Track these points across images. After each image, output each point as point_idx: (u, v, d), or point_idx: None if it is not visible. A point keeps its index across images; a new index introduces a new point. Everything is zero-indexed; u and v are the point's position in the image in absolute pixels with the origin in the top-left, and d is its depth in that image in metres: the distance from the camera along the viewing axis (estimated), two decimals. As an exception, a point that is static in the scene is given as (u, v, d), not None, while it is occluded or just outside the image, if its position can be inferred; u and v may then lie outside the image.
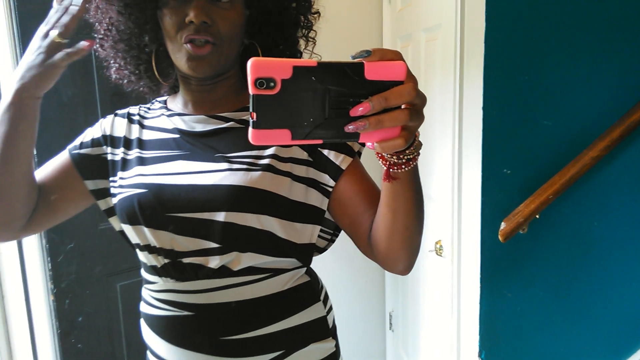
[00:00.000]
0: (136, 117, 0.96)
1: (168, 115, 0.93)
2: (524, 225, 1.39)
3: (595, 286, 1.55)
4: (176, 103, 0.95)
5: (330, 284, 1.02)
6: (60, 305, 1.88)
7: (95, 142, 0.95)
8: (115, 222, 0.97)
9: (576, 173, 1.37)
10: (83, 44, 0.78)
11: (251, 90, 0.48)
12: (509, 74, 1.45)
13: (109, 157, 0.94)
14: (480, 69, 1.45)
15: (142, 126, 0.95)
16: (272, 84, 0.48)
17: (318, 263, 0.99)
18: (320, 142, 0.52)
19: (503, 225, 1.41)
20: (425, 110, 0.56)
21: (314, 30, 0.97)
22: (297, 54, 0.98)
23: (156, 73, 0.92)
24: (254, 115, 0.49)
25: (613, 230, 1.51)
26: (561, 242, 1.51)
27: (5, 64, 1.68)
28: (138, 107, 0.99)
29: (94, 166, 0.94)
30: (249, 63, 0.48)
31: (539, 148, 1.47)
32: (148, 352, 0.95)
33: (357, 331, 2.71)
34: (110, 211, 0.96)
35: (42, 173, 0.94)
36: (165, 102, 0.98)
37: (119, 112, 0.98)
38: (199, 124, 0.89)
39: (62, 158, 0.95)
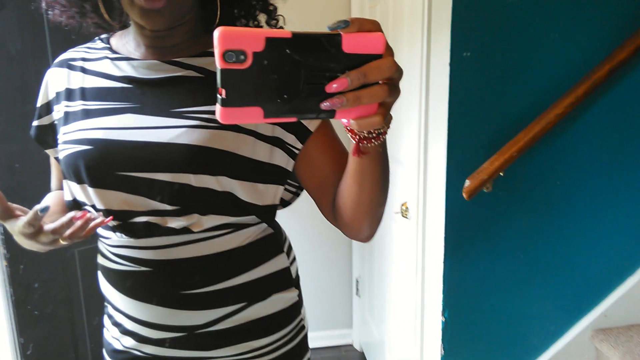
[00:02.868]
0: (78, 63, 0.86)
1: (113, 58, 0.84)
2: (487, 182, 1.39)
3: (556, 245, 1.57)
4: (124, 44, 0.86)
5: (297, 252, 1.00)
6: (14, 271, 1.81)
7: (43, 109, 0.89)
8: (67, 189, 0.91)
9: (540, 130, 1.36)
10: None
11: (219, 64, 0.44)
12: (476, 30, 1.42)
13: (55, 116, 0.87)
14: (448, 24, 1.41)
15: (85, 71, 0.85)
16: (242, 57, 0.44)
17: (284, 230, 0.97)
18: (294, 119, 0.48)
19: (467, 182, 1.40)
20: None
21: None
22: (268, 9, 0.90)
23: (104, 13, 0.84)
24: (223, 91, 0.45)
25: (576, 188, 1.53)
26: (524, 200, 1.52)
27: None
28: (78, 49, 0.90)
29: (48, 134, 0.88)
30: (216, 33, 0.43)
31: (505, 105, 1.46)
32: (107, 305, 0.91)
33: (324, 298, 2.72)
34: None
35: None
36: (108, 41, 0.88)
37: (58, 60, 0.89)
38: (150, 71, 0.81)
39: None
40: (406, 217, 1.78)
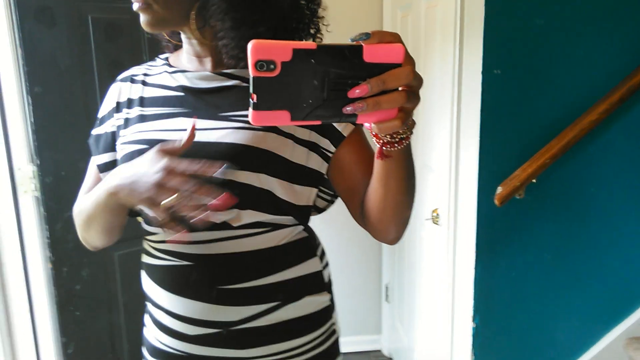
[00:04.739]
0: (139, 77, 0.96)
1: (171, 72, 0.93)
2: (520, 189, 1.40)
3: (589, 252, 1.56)
4: (180, 59, 0.95)
5: (328, 257, 1.03)
6: (58, 273, 1.89)
7: (105, 118, 0.97)
8: None
9: (574, 137, 1.37)
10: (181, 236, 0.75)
11: (251, 72, 0.49)
12: (508, 39, 1.44)
13: (116, 124, 0.94)
14: (480, 34, 1.44)
15: (145, 84, 0.94)
16: (272, 67, 0.49)
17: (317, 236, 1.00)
18: (319, 122, 0.53)
19: (499, 189, 1.41)
20: (426, 79, 0.57)
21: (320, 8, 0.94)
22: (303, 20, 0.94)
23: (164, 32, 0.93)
24: (254, 96, 0.50)
25: (609, 195, 1.52)
26: (557, 207, 1.52)
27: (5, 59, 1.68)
28: (140, 66, 0.99)
29: (101, 141, 0.96)
30: (249, 45, 0.49)
31: (538, 112, 1.47)
32: (148, 303, 0.96)
33: (353, 303, 2.73)
34: None
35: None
36: (167, 59, 0.98)
37: (123, 75, 0.98)
38: (202, 81, 0.89)
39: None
40: (437, 224, 1.79)
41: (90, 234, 0.93)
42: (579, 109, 1.43)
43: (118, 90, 0.97)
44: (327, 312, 0.96)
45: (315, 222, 0.99)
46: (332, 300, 0.98)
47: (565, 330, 1.61)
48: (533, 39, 1.44)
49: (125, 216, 0.90)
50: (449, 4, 1.59)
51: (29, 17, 1.67)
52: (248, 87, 0.87)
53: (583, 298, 1.59)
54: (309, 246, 0.94)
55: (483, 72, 1.44)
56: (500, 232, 1.53)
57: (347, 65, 0.51)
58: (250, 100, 0.50)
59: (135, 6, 0.84)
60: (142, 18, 0.84)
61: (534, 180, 1.42)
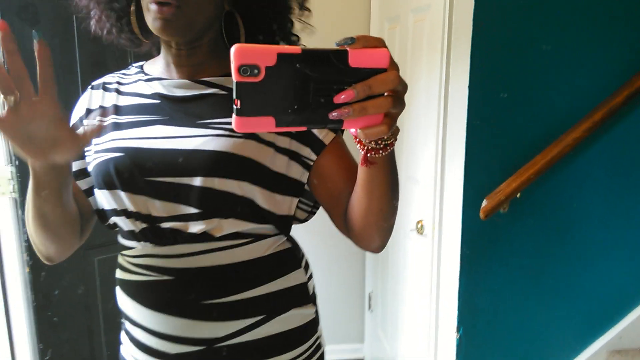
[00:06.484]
0: (112, 86, 0.93)
1: (146, 80, 0.90)
2: (504, 203, 1.42)
3: (571, 266, 1.58)
4: (155, 67, 0.92)
5: (311, 265, 1.02)
6: (35, 277, 1.85)
7: (74, 128, 0.91)
8: (94, 201, 0.93)
9: (558, 153, 1.39)
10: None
11: (235, 77, 0.48)
12: (495, 55, 1.46)
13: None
14: (468, 48, 1.45)
15: (119, 92, 0.91)
16: (255, 71, 0.48)
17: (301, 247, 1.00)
18: (304, 128, 0.52)
19: (485, 202, 1.43)
20: (412, 91, 0.57)
21: (308, 9, 0.94)
22: (287, 32, 0.95)
23: (136, 29, 0.89)
24: (238, 102, 0.49)
25: (592, 211, 1.55)
26: (540, 221, 1.54)
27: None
28: (113, 74, 0.96)
29: None
30: (232, 49, 0.47)
31: (523, 128, 1.49)
32: (125, 322, 0.92)
33: (336, 312, 2.73)
34: (89, 191, 0.93)
35: None
36: (141, 67, 0.95)
37: (95, 83, 0.95)
38: (179, 89, 0.87)
39: None
40: (421, 234, 1.80)
41: (37, 234, 0.86)
42: (564, 125, 1.45)
43: (88, 98, 0.93)
44: (313, 326, 0.95)
45: (298, 230, 0.98)
46: (317, 312, 0.97)
47: (547, 342, 1.63)
48: (520, 55, 1.46)
49: (60, 201, 0.81)
50: (437, 18, 1.60)
51: (10, 13, 1.63)
52: (226, 94, 0.86)
53: (566, 311, 1.61)
54: (293, 257, 0.93)
55: (469, 86, 1.45)
56: (484, 245, 1.55)
57: (333, 70, 0.50)
58: (234, 106, 0.49)
59: (156, 8, 0.77)
60: (163, 22, 0.78)
61: (518, 195, 1.43)
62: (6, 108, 0.63)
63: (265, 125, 0.50)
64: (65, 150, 0.69)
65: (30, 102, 0.64)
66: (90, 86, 0.95)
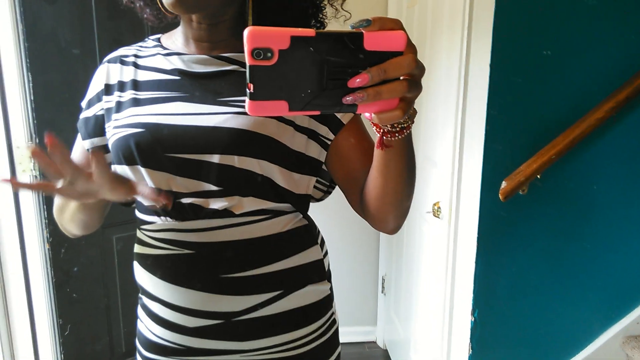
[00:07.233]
0: (130, 59, 0.92)
1: (165, 54, 0.89)
2: (524, 184, 1.39)
3: (590, 249, 1.56)
4: (174, 41, 0.91)
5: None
6: (55, 254, 1.88)
7: (93, 101, 0.93)
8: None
9: (580, 134, 1.36)
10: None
11: (248, 60, 0.47)
12: (518, 33, 1.43)
13: (105, 106, 0.91)
14: (490, 27, 1.42)
15: (137, 66, 0.90)
16: (269, 55, 0.47)
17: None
18: (317, 113, 0.51)
19: (504, 184, 1.41)
20: (431, 71, 0.55)
21: None
22: (308, 15, 0.93)
23: (159, 3, 0.88)
24: (251, 86, 0.48)
25: (612, 193, 1.52)
26: (560, 204, 1.52)
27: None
28: (130, 47, 0.95)
29: (89, 124, 0.92)
30: (245, 32, 0.47)
31: (545, 108, 1.46)
32: (142, 296, 0.93)
33: (349, 294, 2.74)
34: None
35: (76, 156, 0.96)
36: (159, 39, 0.94)
37: (111, 56, 0.94)
38: (199, 65, 0.86)
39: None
40: (438, 217, 1.79)
41: (64, 219, 0.92)
42: (586, 106, 1.42)
43: (106, 72, 0.92)
44: (328, 302, 0.95)
45: (313, 212, 0.98)
46: (331, 289, 0.97)
47: (563, 327, 1.62)
48: (542, 34, 1.43)
49: (100, 211, 0.91)
50: (459, -5, 1.57)
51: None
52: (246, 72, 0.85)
53: (582, 295, 1.60)
54: (310, 234, 0.93)
55: (491, 66, 1.43)
56: (502, 227, 1.53)
57: (347, 54, 0.49)
58: (247, 90, 0.48)
59: None
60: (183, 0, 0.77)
61: (538, 177, 1.41)
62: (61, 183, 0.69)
63: (278, 109, 0.50)
64: (114, 196, 0.74)
65: (82, 178, 0.70)
66: (106, 60, 0.94)
